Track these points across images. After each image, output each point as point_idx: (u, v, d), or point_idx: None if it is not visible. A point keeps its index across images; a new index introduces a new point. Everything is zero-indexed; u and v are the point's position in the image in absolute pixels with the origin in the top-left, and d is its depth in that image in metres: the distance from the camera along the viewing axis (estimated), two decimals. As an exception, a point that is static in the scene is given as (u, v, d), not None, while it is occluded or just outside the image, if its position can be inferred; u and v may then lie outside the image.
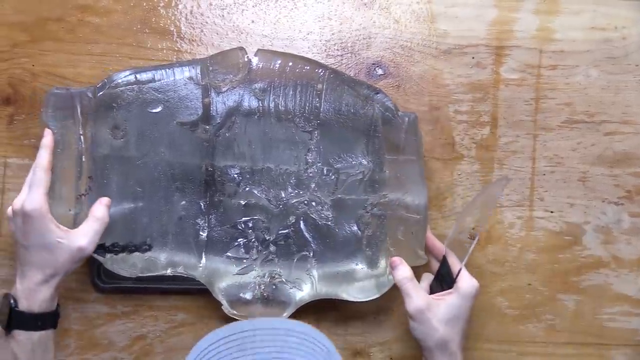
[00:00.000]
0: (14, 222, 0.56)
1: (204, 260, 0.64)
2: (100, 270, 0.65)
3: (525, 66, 0.69)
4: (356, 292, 0.64)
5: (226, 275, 0.64)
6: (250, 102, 0.63)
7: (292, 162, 0.64)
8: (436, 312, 0.56)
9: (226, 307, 0.63)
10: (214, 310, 0.66)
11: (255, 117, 0.64)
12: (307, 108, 0.64)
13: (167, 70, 0.62)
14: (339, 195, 0.64)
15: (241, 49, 0.63)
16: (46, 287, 0.55)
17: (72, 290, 0.65)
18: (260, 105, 0.63)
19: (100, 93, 0.61)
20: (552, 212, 0.69)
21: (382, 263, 0.64)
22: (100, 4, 0.66)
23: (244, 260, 0.64)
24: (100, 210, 0.58)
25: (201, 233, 0.64)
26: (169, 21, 0.67)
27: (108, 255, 0.61)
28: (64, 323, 0.65)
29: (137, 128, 0.62)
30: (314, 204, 0.64)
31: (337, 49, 0.68)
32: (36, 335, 0.54)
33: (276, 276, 0.64)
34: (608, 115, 0.70)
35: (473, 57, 0.69)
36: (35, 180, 0.56)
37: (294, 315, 0.65)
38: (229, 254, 0.64)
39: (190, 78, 0.62)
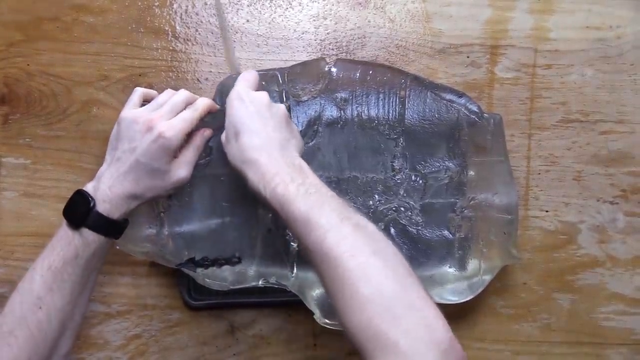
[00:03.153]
0: (136, 130, 0.54)
1: (295, 270, 0.64)
2: (190, 288, 0.66)
3: (520, 65, 0.69)
4: (449, 295, 0.64)
5: (318, 284, 0.64)
6: (332, 111, 0.64)
7: (378, 170, 0.64)
8: (223, 135, 0.56)
9: (319, 317, 0.63)
10: (211, 309, 0.67)
11: (339, 126, 0.64)
12: (391, 115, 0.64)
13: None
14: (428, 200, 0.65)
15: (322, 59, 0.63)
16: (134, 201, 0.54)
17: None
18: (343, 114, 0.64)
19: None
20: (547, 211, 0.69)
21: (474, 264, 0.65)
22: (96, 4, 0.66)
23: None
24: (200, 140, 0.58)
25: (292, 244, 0.64)
26: (163, 21, 0.67)
27: (199, 270, 0.61)
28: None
29: (218, 143, 0.61)
30: (403, 209, 0.64)
31: (332, 49, 0.68)
32: (103, 239, 0.53)
33: None
34: (603, 114, 0.70)
35: (468, 57, 0.69)
36: (187, 116, 0.56)
37: (279, 312, 0.66)
38: None
39: (266, 84, 0.62)
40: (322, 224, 0.45)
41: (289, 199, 0.47)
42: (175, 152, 0.55)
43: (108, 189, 0.53)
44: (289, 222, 0.47)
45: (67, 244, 0.52)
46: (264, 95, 0.56)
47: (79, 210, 0.53)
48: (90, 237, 0.53)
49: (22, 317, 0.50)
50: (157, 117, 0.55)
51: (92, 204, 0.52)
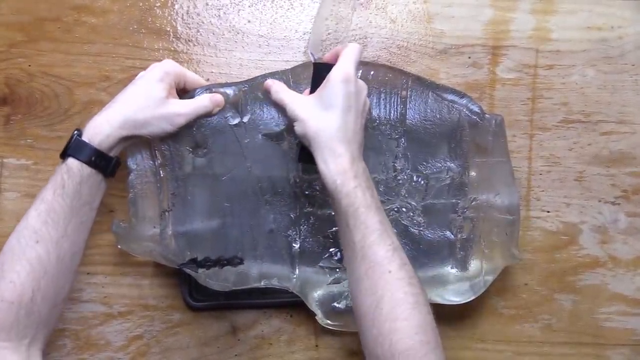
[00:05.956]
0: (144, 72, 0.58)
1: (297, 271, 0.64)
2: (191, 289, 0.66)
3: (521, 66, 0.69)
4: (451, 296, 0.64)
5: (319, 285, 0.64)
6: None
7: (380, 170, 0.64)
8: (306, 106, 0.56)
9: (321, 318, 0.63)
10: (212, 310, 0.67)
11: None
12: (392, 115, 0.64)
13: (249, 84, 0.62)
14: (430, 201, 0.65)
15: (320, 59, 0.63)
16: (118, 126, 0.55)
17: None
18: None
19: None
20: (548, 211, 0.69)
21: (476, 265, 0.65)
22: (97, 4, 0.66)
23: (337, 270, 0.64)
24: (208, 97, 0.60)
25: (294, 245, 0.64)
26: (165, 21, 0.67)
27: (200, 270, 0.61)
28: (59, 323, 0.65)
29: (220, 144, 0.62)
30: (404, 210, 0.64)
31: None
32: (87, 170, 0.53)
33: None
34: (604, 115, 0.70)
35: (469, 57, 0.69)
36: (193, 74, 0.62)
37: (280, 313, 0.66)
38: (321, 264, 0.64)
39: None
40: (392, 241, 0.51)
41: (366, 206, 0.51)
42: (172, 83, 0.57)
43: (97, 116, 0.55)
44: (356, 224, 0.51)
45: (56, 175, 0.53)
46: (364, 86, 0.57)
47: (67, 142, 0.54)
48: (74, 166, 0.53)
49: (21, 253, 0.50)
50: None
51: (75, 134, 0.54)
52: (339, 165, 0.53)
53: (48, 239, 0.51)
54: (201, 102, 0.59)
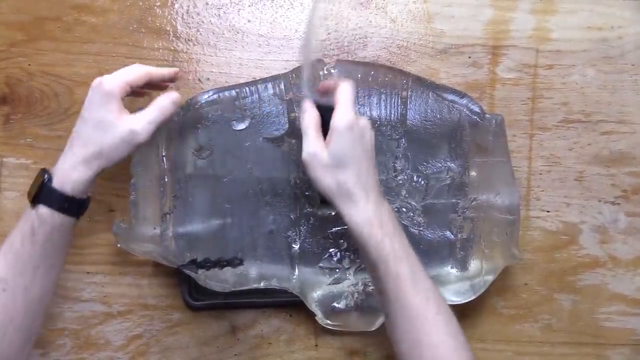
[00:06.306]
0: (88, 95, 0.54)
1: (296, 271, 0.64)
2: (191, 289, 0.66)
3: (521, 66, 0.69)
4: (451, 295, 0.64)
5: (319, 285, 0.64)
6: None
7: (380, 171, 0.64)
8: (321, 158, 0.53)
9: (320, 318, 0.63)
10: (212, 310, 0.67)
11: None
12: (392, 116, 0.64)
13: (251, 87, 0.63)
14: (430, 201, 0.65)
15: (319, 60, 0.63)
16: (85, 168, 0.52)
17: (66, 289, 0.66)
18: None
19: (185, 115, 0.62)
20: (548, 211, 0.69)
21: (476, 265, 0.65)
22: (97, 4, 0.66)
23: (337, 270, 0.64)
24: (163, 100, 0.56)
25: (293, 245, 0.64)
26: (165, 21, 0.67)
27: (200, 271, 0.61)
28: (59, 322, 0.65)
29: (222, 146, 0.62)
30: (404, 210, 0.64)
31: (333, 49, 0.68)
32: (59, 217, 0.52)
33: (369, 284, 0.64)
34: (604, 114, 0.70)
35: (469, 57, 0.69)
36: (128, 69, 0.56)
37: (280, 313, 0.66)
38: (321, 264, 0.64)
39: (275, 94, 0.63)
40: (425, 286, 0.52)
41: (396, 257, 0.51)
42: (118, 100, 0.53)
43: (62, 161, 0.53)
44: (387, 273, 0.51)
45: (25, 222, 0.52)
46: (366, 124, 0.55)
47: (34, 185, 0.52)
48: (45, 214, 0.51)
49: None
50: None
51: (45, 179, 0.52)
52: (363, 214, 0.52)
53: (14, 286, 0.50)
54: (154, 112, 0.55)
